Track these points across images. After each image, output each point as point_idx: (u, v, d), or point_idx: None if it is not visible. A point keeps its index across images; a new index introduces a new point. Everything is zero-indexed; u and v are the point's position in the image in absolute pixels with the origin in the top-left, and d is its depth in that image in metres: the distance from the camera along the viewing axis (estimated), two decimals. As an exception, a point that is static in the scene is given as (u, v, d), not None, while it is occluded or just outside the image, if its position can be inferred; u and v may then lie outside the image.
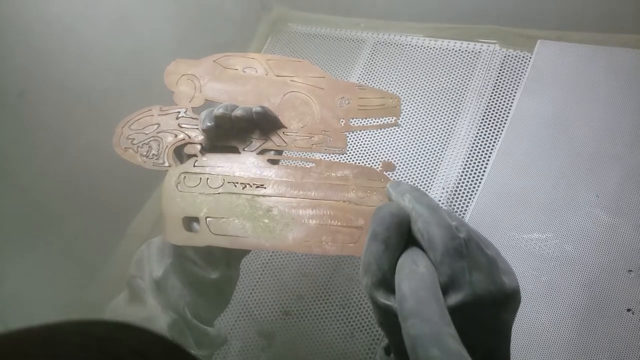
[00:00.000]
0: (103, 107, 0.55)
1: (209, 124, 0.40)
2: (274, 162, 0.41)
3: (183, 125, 0.43)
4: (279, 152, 0.42)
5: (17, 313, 0.49)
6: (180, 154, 0.42)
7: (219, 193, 0.39)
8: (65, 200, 0.55)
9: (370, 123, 0.44)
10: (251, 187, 0.39)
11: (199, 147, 0.42)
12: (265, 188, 0.39)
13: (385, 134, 0.63)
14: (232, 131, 0.42)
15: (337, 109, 0.43)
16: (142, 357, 0.17)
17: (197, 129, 0.42)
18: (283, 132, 0.42)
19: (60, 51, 0.52)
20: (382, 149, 0.62)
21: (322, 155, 0.42)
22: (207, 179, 0.40)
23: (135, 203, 0.65)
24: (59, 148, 0.54)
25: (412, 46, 0.69)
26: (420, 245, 0.27)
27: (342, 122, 0.43)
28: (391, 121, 0.43)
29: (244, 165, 0.41)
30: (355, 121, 0.43)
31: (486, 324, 0.27)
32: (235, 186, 0.40)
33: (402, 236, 0.28)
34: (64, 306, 0.53)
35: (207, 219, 0.38)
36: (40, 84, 0.51)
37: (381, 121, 0.44)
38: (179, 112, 0.43)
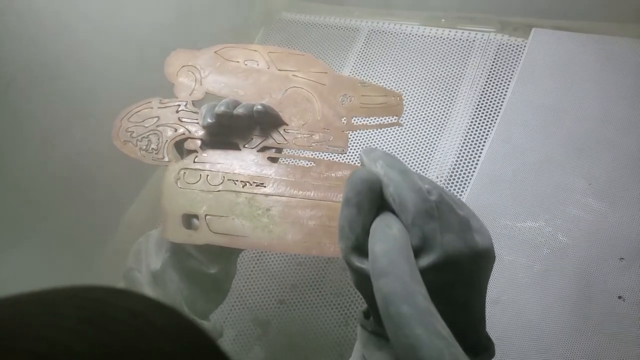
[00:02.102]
0: (96, 97, 0.55)
1: (210, 121, 0.40)
2: (273, 160, 0.41)
3: (183, 119, 0.42)
4: (279, 150, 0.42)
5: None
6: (180, 148, 0.42)
7: (218, 191, 0.39)
8: (58, 191, 0.55)
9: (372, 122, 0.43)
10: (251, 185, 0.39)
11: (199, 142, 0.41)
12: (265, 187, 0.39)
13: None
14: (232, 128, 0.41)
15: (338, 107, 0.43)
16: (139, 317, 0.18)
17: (197, 123, 0.42)
18: (284, 130, 0.42)
19: (52, 40, 0.52)
20: (376, 137, 0.62)
21: (322, 154, 0.42)
22: (207, 175, 0.40)
23: (128, 193, 0.65)
24: (50, 138, 0.54)
25: (407, 34, 0.69)
26: (393, 210, 0.28)
27: (343, 120, 0.42)
28: (393, 120, 0.43)
29: (244, 162, 0.41)
30: (357, 119, 0.43)
31: (458, 285, 0.27)
32: (235, 184, 0.39)
33: (373, 200, 0.28)
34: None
35: (207, 217, 0.38)
36: (30, 73, 0.50)
37: (383, 120, 0.43)
38: (179, 106, 0.43)
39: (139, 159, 0.41)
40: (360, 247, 0.28)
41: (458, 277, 0.27)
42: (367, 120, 0.44)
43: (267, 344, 0.55)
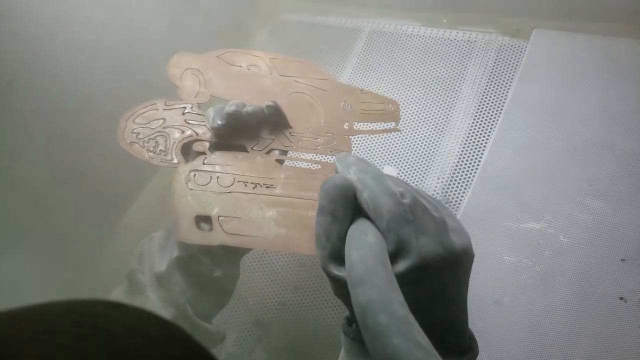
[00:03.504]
0: (95, 98, 0.55)
1: (219, 122, 0.41)
2: (280, 162, 0.42)
3: (189, 122, 0.43)
4: (284, 152, 0.43)
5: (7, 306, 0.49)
6: (186, 150, 0.42)
7: (229, 192, 0.40)
8: (57, 192, 0.55)
9: (373, 127, 0.45)
10: (261, 187, 0.40)
11: (207, 144, 0.42)
12: (275, 188, 0.40)
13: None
14: (241, 129, 0.42)
15: (340, 112, 0.45)
16: (137, 333, 0.18)
17: (204, 125, 0.43)
18: (289, 133, 0.43)
19: (51, 39, 0.52)
20: (378, 139, 0.62)
21: (327, 157, 0.43)
22: (218, 177, 0.41)
23: (128, 195, 0.65)
24: (50, 139, 0.54)
25: (408, 35, 0.69)
26: (369, 216, 0.28)
27: (346, 125, 0.44)
28: (392, 126, 0.45)
29: (253, 164, 0.41)
30: (358, 124, 0.45)
31: (438, 288, 0.28)
32: (246, 185, 0.40)
33: (347, 207, 0.28)
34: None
35: (220, 218, 0.39)
36: (30, 73, 0.50)
37: (383, 126, 0.45)
38: (184, 108, 0.44)
39: (147, 160, 0.41)
40: (337, 255, 0.28)
41: (436, 280, 0.28)
42: (368, 126, 0.46)
43: (268, 345, 0.55)
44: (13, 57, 0.49)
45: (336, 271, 0.28)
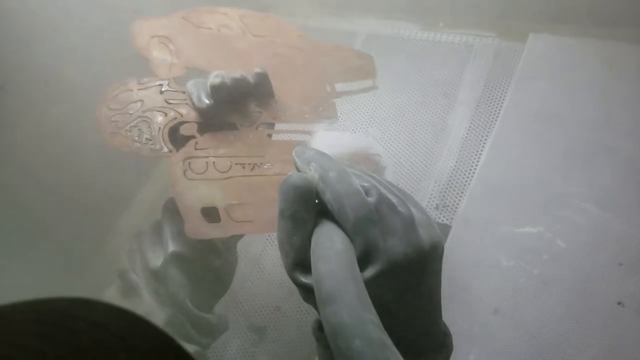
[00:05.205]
0: (88, 100, 0.55)
1: (207, 102, 0.37)
2: (269, 135, 0.40)
3: (170, 101, 0.38)
4: (272, 125, 0.40)
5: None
6: (173, 135, 0.38)
7: (229, 177, 0.37)
8: (50, 195, 0.55)
9: (354, 87, 0.44)
10: (259, 167, 0.38)
11: (195, 126, 0.38)
12: (272, 166, 0.38)
13: (378, 126, 0.63)
14: (228, 105, 0.38)
15: (320, 74, 0.43)
16: (102, 330, 0.17)
17: (187, 104, 0.38)
18: (275, 103, 0.40)
19: (43, 43, 0.52)
20: (375, 141, 0.62)
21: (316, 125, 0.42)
22: (214, 162, 0.37)
23: (124, 198, 0.65)
24: (42, 142, 0.53)
25: (405, 39, 0.69)
26: (332, 216, 0.27)
27: (328, 88, 0.42)
28: (371, 85, 0.44)
29: (246, 143, 0.38)
30: (340, 86, 0.43)
31: (409, 287, 0.27)
32: (244, 167, 0.38)
33: (309, 209, 0.27)
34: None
35: (226, 207, 0.36)
36: (21, 77, 0.50)
37: (362, 85, 0.44)
38: (161, 86, 0.39)
39: (135, 151, 0.36)
40: (302, 262, 0.26)
41: (408, 281, 0.26)
42: (349, 86, 0.43)
43: (264, 350, 0.55)
44: (4, 61, 0.49)
45: (303, 278, 0.26)
